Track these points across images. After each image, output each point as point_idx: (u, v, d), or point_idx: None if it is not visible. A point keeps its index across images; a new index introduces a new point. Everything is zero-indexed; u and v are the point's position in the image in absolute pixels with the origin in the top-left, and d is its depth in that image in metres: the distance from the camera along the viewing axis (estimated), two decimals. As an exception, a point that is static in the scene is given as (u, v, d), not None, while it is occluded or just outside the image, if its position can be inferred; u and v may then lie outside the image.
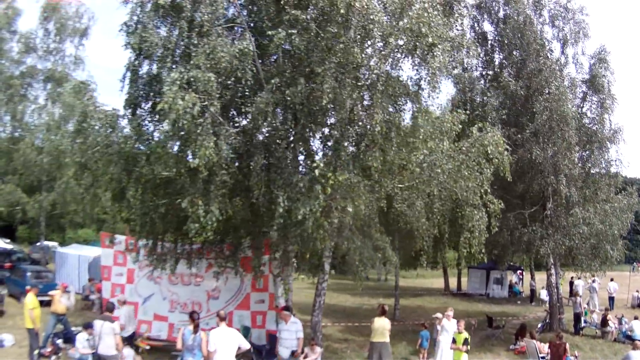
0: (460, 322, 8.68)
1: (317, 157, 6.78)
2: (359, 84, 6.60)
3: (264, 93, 6.31)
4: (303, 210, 6.06)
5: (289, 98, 6.18)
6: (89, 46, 38.83)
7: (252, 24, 7.59)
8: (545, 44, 12.72)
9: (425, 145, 7.31)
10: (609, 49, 12.96)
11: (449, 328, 8.80)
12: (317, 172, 6.03)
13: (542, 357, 9.77)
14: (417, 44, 6.57)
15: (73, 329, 9.84)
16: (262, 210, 6.91)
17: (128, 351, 7.97)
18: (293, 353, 7.67)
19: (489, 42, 13.54)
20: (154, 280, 11.10)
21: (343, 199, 6.32)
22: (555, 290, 13.73)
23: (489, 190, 8.06)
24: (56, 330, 9.62)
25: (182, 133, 6.16)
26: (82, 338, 7.72)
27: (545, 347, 9.83)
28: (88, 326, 8.00)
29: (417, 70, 7.01)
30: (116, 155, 7.67)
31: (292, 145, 6.91)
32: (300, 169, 7.01)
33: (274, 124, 6.51)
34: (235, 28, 7.61)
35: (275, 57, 7.36)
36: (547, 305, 17.67)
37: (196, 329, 6.55)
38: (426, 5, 6.67)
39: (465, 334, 8.45)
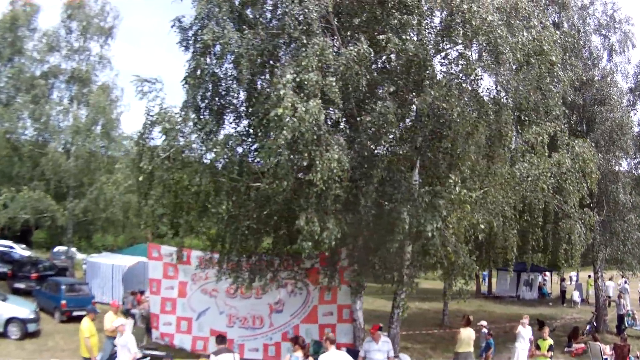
0: (544, 329, 8.88)
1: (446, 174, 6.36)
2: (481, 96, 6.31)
3: (388, 102, 5.88)
4: (430, 227, 5.71)
5: (416, 106, 5.80)
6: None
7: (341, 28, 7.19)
8: (593, 52, 12.87)
9: (524, 158, 7.17)
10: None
11: (524, 335, 8.98)
12: (457, 189, 5.66)
13: (605, 359, 9.85)
14: (533, 60, 6.39)
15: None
16: (371, 225, 6.48)
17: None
18: None
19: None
20: (209, 293, 10.58)
21: (471, 214, 5.99)
22: (601, 291, 13.87)
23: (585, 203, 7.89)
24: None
25: (300, 143, 5.66)
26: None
27: (608, 349, 9.97)
28: (217, 353, 7.48)
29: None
30: (196, 164, 7.15)
31: (410, 157, 6.51)
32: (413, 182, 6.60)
33: (395, 135, 6.10)
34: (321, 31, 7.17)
35: (376, 65, 6.96)
36: (578, 305, 17.92)
37: (307, 355, 6.12)
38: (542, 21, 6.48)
39: (549, 341, 8.59)
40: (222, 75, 7.75)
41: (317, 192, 5.87)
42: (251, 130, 7.81)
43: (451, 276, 7.35)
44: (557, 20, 12.93)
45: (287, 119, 5.43)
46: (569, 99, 11.74)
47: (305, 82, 5.72)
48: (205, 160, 7.25)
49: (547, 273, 22.53)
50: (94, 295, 13.26)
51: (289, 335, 10.02)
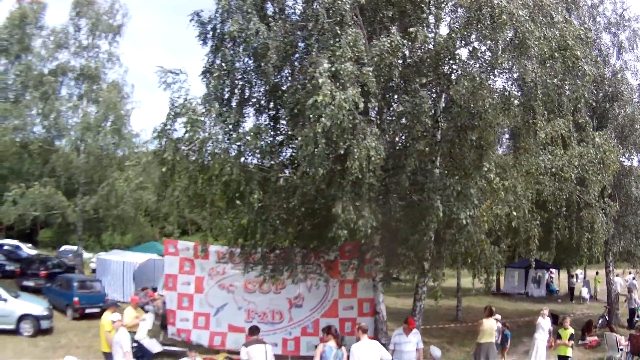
0: (566, 319, 9.14)
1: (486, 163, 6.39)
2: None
3: (422, 92, 5.94)
4: (464, 214, 5.76)
5: (445, 98, 5.87)
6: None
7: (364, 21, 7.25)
8: (603, 50, 13.11)
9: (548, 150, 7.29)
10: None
11: (544, 326, 9.19)
12: (492, 176, 5.72)
13: (621, 349, 10.09)
14: (557, 54, 6.52)
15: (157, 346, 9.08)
16: (400, 215, 6.52)
17: None
18: None
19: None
20: (227, 288, 10.50)
21: (501, 203, 6.05)
22: (612, 286, 14.07)
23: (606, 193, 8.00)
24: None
25: (335, 131, 5.68)
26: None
27: (623, 340, 10.21)
28: (191, 349, 7.49)
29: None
30: (224, 153, 7.10)
31: (440, 147, 6.57)
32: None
33: (427, 125, 6.15)
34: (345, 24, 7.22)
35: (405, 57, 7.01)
36: (587, 302, 18.10)
37: (339, 345, 6.12)
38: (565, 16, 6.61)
39: (570, 330, 8.75)
40: (243, 68, 7.79)
41: (352, 181, 5.92)
42: (272, 123, 7.86)
43: (477, 267, 7.39)
44: (568, 19, 13.22)
45: (325, 107, 5.45)
46: (585, 95, 12.02)
47: (341, 72, 5.75)
48: (231, 152, 7.24)
49: (554, 270, 22.69)
50: (106, 293, 13.12)
51: (309, 330, 10.03)
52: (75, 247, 17.42)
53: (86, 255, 19.91)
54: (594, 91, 12.35)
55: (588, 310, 15.83)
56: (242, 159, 7.10)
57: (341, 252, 9.75)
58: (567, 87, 7.25)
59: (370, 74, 5.70)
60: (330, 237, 6.07)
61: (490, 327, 8.27)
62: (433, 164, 6.63)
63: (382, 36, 6.23)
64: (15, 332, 10.64)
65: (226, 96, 7.79)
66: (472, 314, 16.10)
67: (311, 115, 5.61)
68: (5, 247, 18.43)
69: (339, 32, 6.16)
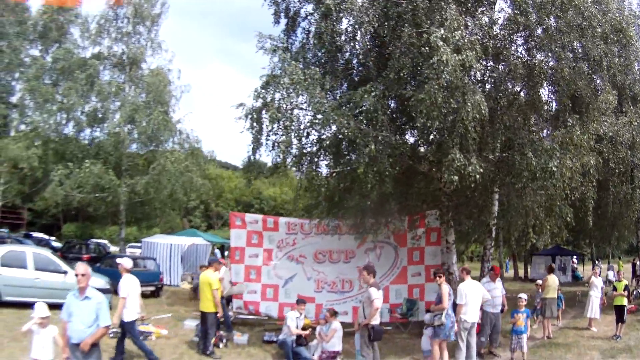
0: (620, 272, 10.51)
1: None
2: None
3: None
4: (552, 164, 6.37)
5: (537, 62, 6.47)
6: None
7: None
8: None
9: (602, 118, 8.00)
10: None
11: (597, 284, 10.09)
12: (578, 128, 6.39)
13: None
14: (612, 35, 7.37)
15: (230, 313, 9.15)
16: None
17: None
18: (502, 310, 7.82)
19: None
20: (295, 260, 10.69)
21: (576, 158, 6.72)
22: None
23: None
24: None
25: (453, 87, 6.21)
26: (292, 316, 7.28)
27: None
28: (300, 302, 7.64)
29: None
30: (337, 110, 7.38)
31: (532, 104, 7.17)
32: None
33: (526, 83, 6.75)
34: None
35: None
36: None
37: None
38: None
39: (625, 281, 9.66)
40: (342, 41, 8.20)
41: (461, 133, 6.40)
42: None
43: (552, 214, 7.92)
44: (621, 4, 14.24)
45: (444, 66, 6.00)
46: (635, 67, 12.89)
47: (451, 39, 6.31)
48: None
49: (575, 260, 23.44)
50: (161, 271, 13.02)
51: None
52: (103, 241, 17.22)
53: (113, 249, 19.61)
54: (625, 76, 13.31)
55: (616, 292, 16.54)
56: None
57: (409, 221, 10.14)
58: (622, 62, 8.01)
59: (477, 41, 6.28)
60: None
61: (554, 282, 9.01)
62: (526, 119, 7.13)
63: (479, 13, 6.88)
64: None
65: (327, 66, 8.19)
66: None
67: (430, 73, 6.19)
68: (35, 236, 18.04)
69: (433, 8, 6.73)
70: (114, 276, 12.20)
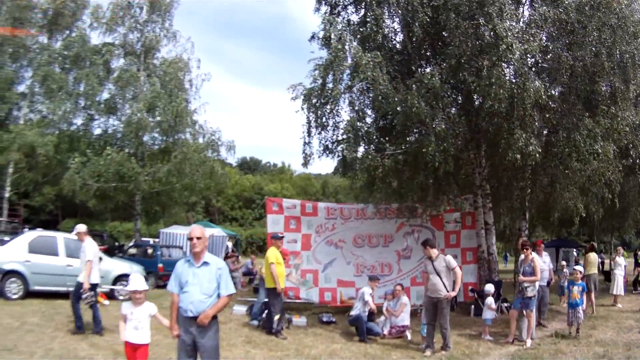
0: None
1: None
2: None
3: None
4: (597, 146, 7.19)
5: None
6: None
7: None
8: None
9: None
10: None
11: (621, 262, 10.77)
12: (620, 113, 7.23)
13: None
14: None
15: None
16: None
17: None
18: (548, 283, 8.29)
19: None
20: (334, 244, 10.81)
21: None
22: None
23: None
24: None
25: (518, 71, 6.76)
26: (367, 292, 7.49)
27: None
28: (373, 278, 7.82)
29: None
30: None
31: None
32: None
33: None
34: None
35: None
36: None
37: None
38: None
39: None
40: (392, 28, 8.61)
41: (521, 116, 6.94)
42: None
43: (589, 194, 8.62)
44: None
45: (511, 54, 6.54)
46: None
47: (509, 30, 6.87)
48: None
49: (575, 252, 24.56)
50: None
51: (418, 280, 10.57)
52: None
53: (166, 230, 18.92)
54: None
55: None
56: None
57: (447, 206, 10.55)
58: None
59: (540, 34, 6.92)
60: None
61: (595, 258, 9.73)
62: (574, 106, 7.77)
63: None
64: (108, 295, 10.03)
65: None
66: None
67: (497, 60, 6.79)
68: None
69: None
70: (146, 264, 11.96)
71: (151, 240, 15.05)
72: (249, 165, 47.40)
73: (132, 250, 12.34)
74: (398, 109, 7.61)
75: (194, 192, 15.44)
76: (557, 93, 8.14)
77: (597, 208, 9.20)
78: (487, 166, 9.61)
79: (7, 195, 13.92)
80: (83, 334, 6.26)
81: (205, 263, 3.59)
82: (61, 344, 5.76)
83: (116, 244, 15.36)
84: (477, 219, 10.26)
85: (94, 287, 6.41)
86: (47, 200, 18.58)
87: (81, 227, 6.63)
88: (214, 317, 3.55)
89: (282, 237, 8.55)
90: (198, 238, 3.57)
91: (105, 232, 16.68)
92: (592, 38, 7.82)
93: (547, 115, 7.78)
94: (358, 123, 7.75)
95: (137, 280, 3.88)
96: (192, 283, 3.52)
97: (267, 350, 6.27)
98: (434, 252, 6.47)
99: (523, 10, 8.26)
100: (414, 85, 7.46)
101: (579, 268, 7.59)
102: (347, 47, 7.93)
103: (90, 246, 6.43)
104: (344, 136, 7.96)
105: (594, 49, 7.82)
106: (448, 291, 6.10)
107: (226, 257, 12.53)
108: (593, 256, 9.69)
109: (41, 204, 18.97)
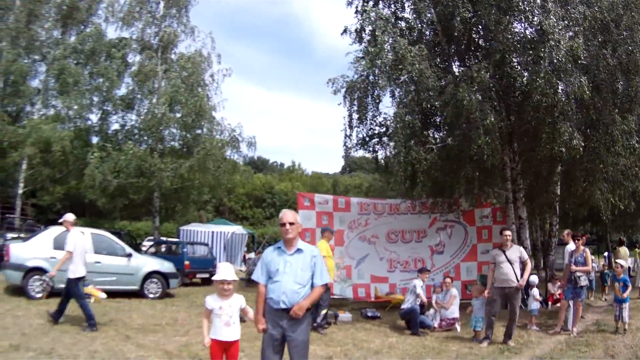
0: None
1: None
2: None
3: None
4: (634, 140, 7.41)
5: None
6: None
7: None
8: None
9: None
10: None
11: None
12: None
13: None
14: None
15: None
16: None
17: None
18: None
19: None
20: (367, 240, 10.80)
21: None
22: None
23: None
24: None
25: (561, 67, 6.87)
26: (419, 284, 7.51)
27: None
28: (423, 270, 7.81)
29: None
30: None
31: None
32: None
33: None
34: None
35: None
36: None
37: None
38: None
39: None
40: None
41: (567, 110, 7.05)
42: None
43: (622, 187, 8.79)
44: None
45: (554, 49, 6.71)
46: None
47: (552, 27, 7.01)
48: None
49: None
50: (215, 257, 12.53)
51: (451, 274, 10.59)
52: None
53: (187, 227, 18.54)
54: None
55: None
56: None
57: (477, 202, 10.61)
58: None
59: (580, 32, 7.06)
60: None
61: (625, 252, 10.02)
62: (607, 103, 7.89)
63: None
64: (137, 294, 9.71)
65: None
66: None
67: (544, 55, 6.93)
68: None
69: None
70: (172, 262, 11.57)
71: (146, 244, 14.74)
72: (257, 165, 47.13)
73: (154, 249, 12.05)
74: (446, 102, 7.61)
75: (214, 189, 15.19)
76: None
77: (628, 202, 9.30)
78: (521, 161, 9.69)
79: (20, 192, 13.49)
80: (96, 331, 6.04)
81: (299, 250, 3.29)
82: (103, 345, 5.42)
83: (138, 243, 14.97)
84: (507, 214, 10.35)
85: (79, 279, 6.08)
86: (55, 199, 18.03)
87: (69, 217, 6.34)
88: (307, 309, 3.23)
89: (334, 231, 8.51)
90: (291, 223, 3.27)
91: (123, 231, 16.30)
92: (625, 36, 7.97)
93: (587, 111, 7.89)
94: (408, 117, 7.69)
95: (226, 269, 3.42)
96: (285, 272, 3.21)
97: (325, 345, 6.15)
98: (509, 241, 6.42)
99: (562, 9, 8.37)
100: (461, 79, 7.48)
101: (621, 262, 7.62)
102: (389, 39, 7.93)
103: (74, 237, 6.11)
104: (391, 129, 7.92)
105: (629, 47, 7.98)
106: (518, 281, 6.11)
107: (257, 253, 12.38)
108: (623, 250, 10.06)
109: (49, 203, 18.42)
